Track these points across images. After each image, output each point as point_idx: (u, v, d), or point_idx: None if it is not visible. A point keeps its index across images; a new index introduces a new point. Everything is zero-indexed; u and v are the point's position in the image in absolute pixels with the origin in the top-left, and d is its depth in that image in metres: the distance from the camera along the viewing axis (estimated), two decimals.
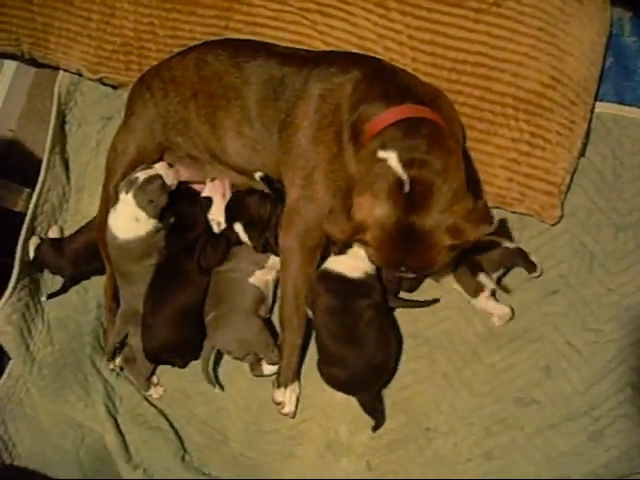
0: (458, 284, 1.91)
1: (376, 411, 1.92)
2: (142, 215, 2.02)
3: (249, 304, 2.00)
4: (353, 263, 1.84)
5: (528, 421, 1.86)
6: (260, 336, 1.98)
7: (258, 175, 1.98)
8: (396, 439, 1.95)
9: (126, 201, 2.02)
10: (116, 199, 2.06)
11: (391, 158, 1.54)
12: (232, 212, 2.04)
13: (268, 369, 2.01)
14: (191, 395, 2.17)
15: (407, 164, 1.52)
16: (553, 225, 1.94)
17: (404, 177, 1.51)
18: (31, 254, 2.32)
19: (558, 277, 1.92)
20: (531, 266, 1.89)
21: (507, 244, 1.89)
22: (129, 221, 2.03)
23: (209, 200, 2.08)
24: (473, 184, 1.95)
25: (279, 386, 1.97)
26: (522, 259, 1.88)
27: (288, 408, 1.97)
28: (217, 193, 2.09)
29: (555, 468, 1.80)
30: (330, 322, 1.84)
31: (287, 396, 1.96)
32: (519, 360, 1.90)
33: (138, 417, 2.18)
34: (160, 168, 2.07)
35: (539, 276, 1.91)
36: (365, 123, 1.67)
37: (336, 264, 1.87)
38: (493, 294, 1.90)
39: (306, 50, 1.99)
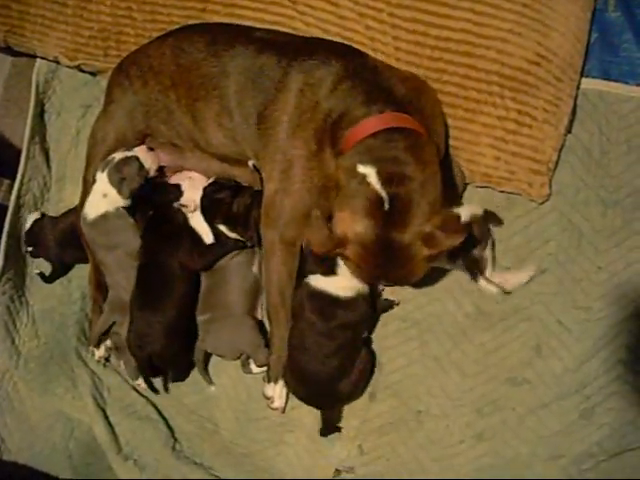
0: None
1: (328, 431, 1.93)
2: (112, 192, 2.02)
3: (246, 301, 2.00)
4: (345, 283, 1.80)
5: (519, 401, 1.86)
6: (251, 336, 1.98)
7: (251, 163, 1.95)
8: (388, 422, 1.95)
9: (100, 179, 2.03)
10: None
11: (370, 175, 1.54)
12: (209, 213, 2.01)
13: (257, 368, 2.01)
14: (180, 385, 2.15)
15: (386, 181, 1.53)
16: (541, 203, 1.93)
17: (383, 194, 1.53)
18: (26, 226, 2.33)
19: (547, 255, 1.92)
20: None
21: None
22: (98, 197, 2.04)
23: (178, 187, 2.06)
24: (458, 170, 1.96)
25: (269, 381, 1.95)
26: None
27: (278, 403, 1.96)
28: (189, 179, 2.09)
29: (548, 447, 1.81)
30: (308, 337, 1.83)
31: (277, 391, 1.95)
32: (509, 339, 1.90)
33: (127, 407, 2.16)
34: (139, 151, 2.05)
35: None
36: (345, 129, 1.65)
37: (327, 284, 1.82)
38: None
39: (286, 35, 1.96)
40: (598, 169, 1.93)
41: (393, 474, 1.91)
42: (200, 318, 2.01)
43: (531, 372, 1.87)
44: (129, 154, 2.03)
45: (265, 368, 1.97)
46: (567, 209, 1.93)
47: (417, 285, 1.95)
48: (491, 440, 1.86)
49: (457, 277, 1.95)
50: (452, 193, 1.88)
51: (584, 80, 1.94)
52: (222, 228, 2.00)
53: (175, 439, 2.11)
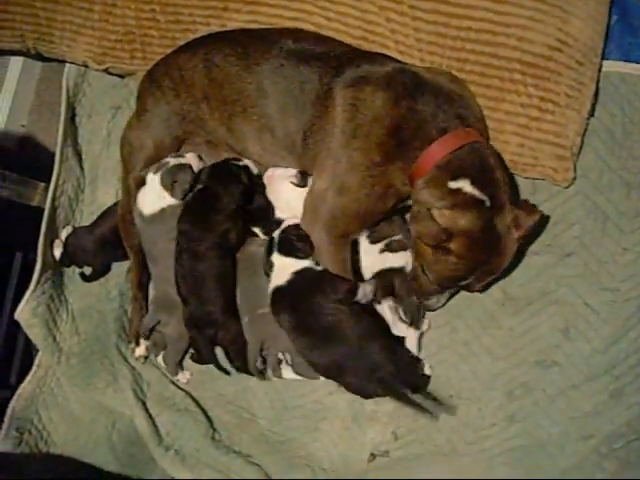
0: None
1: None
2: (165, 194, 2.07)
3: None
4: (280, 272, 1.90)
5: (549, 383, 1.88)
6: None
7: None
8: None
9: (153, 180, 2.08)
10: (142, 185, 2.12)
11: (465, 186, 1.65)
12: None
13: (287, 373, 2.05)
14: (217, 377, 2.18)
15: (481, 186, 1.65)
16: (565, 187, 1.95)
17: (483, 197, 1.64)
18: (56, 255, 2.35)
19: (572, 239, 1.94)
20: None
21: None
22: (154, 196, 2.09)
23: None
24: None
25: None
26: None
27: None
28: None
29: (578, 428, 1.82)
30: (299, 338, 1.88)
31: None
32: (537, 323, 1.93)
33: (166, 400, 2.20)
34: (190, 158, 2.09)
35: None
36: (417, 150, 1.71)
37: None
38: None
39: (317, 42, 1.94)
40: (621, 151, 1.94)
41: (427, 457, 1.94)
42: (261, 311, 2.00)
43: (560, 354, 1.89)
44: (182, 161, 2.08)
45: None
46: (591, 192, 1.95)
47: None
48: (522, 422, 1.88)
49: None
50: None
51: (605, 63, 1.95)
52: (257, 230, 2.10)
53: (214, 429, 2.15)
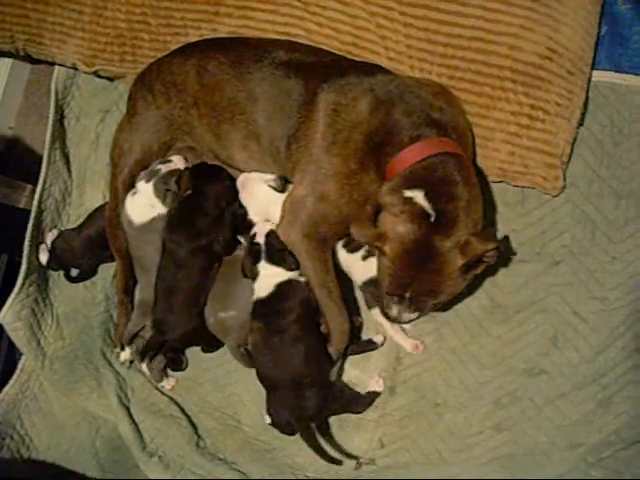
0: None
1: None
2: (158, 203, 2.06)
3: None
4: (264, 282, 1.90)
5: (537, 391, 1.88)
6: None
7: None
8: (407, 415, 1.98)
9: (146, 189, 2.07)
10: (129, 189, 2.12)
11: (417, 196, 1.65)
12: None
13: None
14: (202, 383, 2.19)
15: (434, 199, 1.63)
16: (555, 196, 1.95)
17: (430, 210, 1.63)
18: (43, 260, 2.33)
19: (561, 247, 1.94)
20: None
21: None
22: (145, 206, 2.08)
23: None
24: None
25: None
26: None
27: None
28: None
29: (566, 436, 1.81)
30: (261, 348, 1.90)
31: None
32: (526, 331, 1.92)
33: (151, 406, 2.19)
34: (178, 162, 2.09)
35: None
36: (389, 155, 1.71)
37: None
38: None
39: (310, 52, 1.96)
40: (610, 161, 1.94)
41: (414, 465, 1.92)
42: (223, 315, 2.02)
43: (548, 363, 1.88)
44: (173, 167, 2.07)
45: None
46: (580, 201, 1.94)
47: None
48: (509, 430, 1.87)
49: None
50: None
51: (595, 72, 1.95)
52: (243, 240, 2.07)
53: (199, 436, 2.13)
